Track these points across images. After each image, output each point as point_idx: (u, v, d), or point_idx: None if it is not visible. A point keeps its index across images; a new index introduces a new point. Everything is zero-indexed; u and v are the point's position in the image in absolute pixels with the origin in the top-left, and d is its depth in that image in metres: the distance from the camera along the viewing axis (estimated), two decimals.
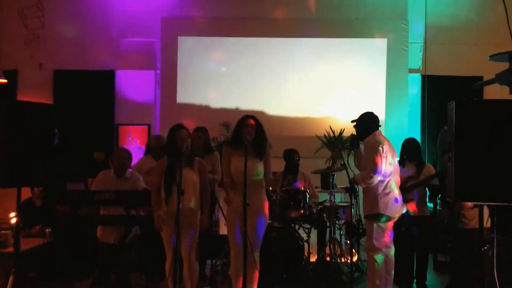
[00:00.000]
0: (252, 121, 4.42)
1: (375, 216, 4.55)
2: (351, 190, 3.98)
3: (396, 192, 4.62)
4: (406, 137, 5.70)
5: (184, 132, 4.49)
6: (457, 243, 5.04)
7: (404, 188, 5.26)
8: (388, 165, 4.53)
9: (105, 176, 5.13)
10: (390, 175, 4.58)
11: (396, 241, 5.12)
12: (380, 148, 4.47)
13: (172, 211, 4.23)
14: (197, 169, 4.51)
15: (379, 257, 4.55)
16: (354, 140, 4.72)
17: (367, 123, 4.67)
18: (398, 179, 4.74)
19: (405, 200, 5.22)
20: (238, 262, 4.38)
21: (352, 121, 4.74)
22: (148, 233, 4.97)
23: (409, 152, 5.41)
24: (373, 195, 4.54)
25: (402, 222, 5.09)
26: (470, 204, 4.64)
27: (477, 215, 4.69)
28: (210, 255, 5.70)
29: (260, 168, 4.41)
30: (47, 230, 5.91)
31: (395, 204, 4.59)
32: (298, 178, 5.92)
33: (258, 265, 4.38)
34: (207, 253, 5.59)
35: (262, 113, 7.63)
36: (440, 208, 6.14)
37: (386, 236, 4.61)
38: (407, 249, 5.48)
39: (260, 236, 4.44)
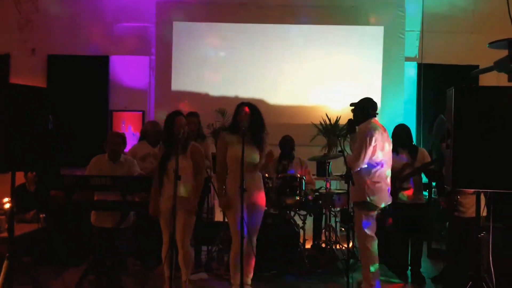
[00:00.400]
0: (246, 109, 4.35)
1: (362, 204, 4.47)
2: (348, 177, 3.94)
3: (387, 182, 4.55)
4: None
5: (182, 119, 4.45)
6: (454, 231, 5.03)
7: (401, 176, 5.24)
8: (381, 154, 4.46)
9: (99, 160, 5.07)
10: (381, 164, 4.48)
11: (390, 228, 5.15)
12: (368, 138, 4.39)
13: (166, 199, 4.20)
14: (190, 154, 4.45)
15: (373, 245, 4.52)
16: (351, 125, 4.66)
17: (365, 108, 4.62)
18: (389, 169, 4.67)
19: (403, 189, 5.22)
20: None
21: (351, 104, 4.67)
22: (143, 219, 4.93)
23: (401, 139, 5.37)
24: (361, 183, 4.46)
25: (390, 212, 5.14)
26: (469, 191, 4.62)
27: (475, 203, 4.78)
28: (206, 241, 5.69)
29: (256, 155, 4.37)
30: (41, 215, 5.91)
31: (383, 194, 4.50)
32: (295, 164, 5.91)
33: (254, 250, 4.36)
34: (203, 240, 5.58)
35: (257, 100, 7.51)
36: (436, 196, 6.14)
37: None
38: (401, 237, 5.50)
39: (258, 222, 4.41)
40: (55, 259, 5.55)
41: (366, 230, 4.47)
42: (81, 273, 4.68)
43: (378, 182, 4.45)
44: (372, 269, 4.46)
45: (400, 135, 5.39)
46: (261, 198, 4.45)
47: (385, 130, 4.61)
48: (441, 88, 8.05)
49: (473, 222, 4.66)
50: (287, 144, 5.92)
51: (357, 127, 4.60)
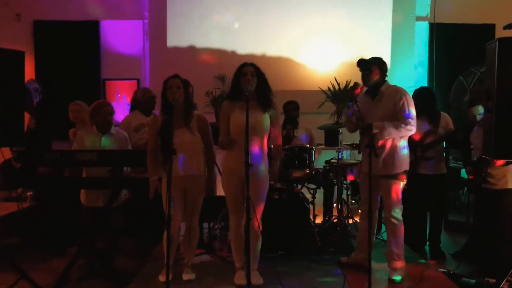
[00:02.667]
0: (251, 69, 3.76)
1: (403, 173, 3.98)
2: (371, 146, 3.34)
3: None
4: (414, 89, 5.08)
5: (176, 81, 3.86)
6: (482, 204, 4.49)
7: (423, 145, 4.69)
8: None
9: (88, 133, 4.49)
10: None
11: (407, 200, 4.62)
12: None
13: (174, 177, 3.62)
14: (197, 127, 3.89)
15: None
16: (375, 86, 3.99)
17: (384, 68, 4.01)
18: None
19: (425, 158, 4.68)
20: (239, 228, 3.82)
21: (362, 63, 4.00)
22: (139, 196, 4.39)
23: (424, 103, 4.76)
24: (398, 151, 3.95)
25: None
26: (500, 161, 4.06)
27: (506, 174, 4.23)
28: (206, 218, 5.11)
29: (265, 121, 3.78)
30: (28, 193, 5.41)
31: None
32: (300, 130, 5.33)
33: (259, 230, 3.81)
34: (203, 216, 4.99)
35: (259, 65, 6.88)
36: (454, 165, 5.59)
37: None
38: (419, 209, 5.00)
39: (263, 199, 3.85)
40: (44, 241, 5.02)
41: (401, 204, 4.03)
42: (70, 258, 4.14)
43: (405, 148, 4.03)
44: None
45: (423, 99, 4.79)
46: (265, 170, 3.86)
47: None
48: (455, 49, 7.57)
49: (507, 195, 4.18)
50: (295, 108, 5.35)
51: (382, 90, 3.98)
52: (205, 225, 5.08)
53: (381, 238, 4.99)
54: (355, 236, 4.74)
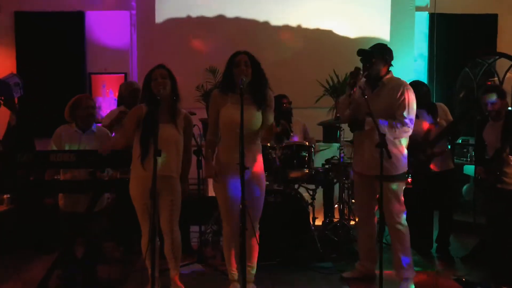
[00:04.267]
0: (244, 57, 3.28)
1: (403, 175, 3.60)
2: (383, 145, 2.90)
3: None
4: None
5: (162, 71, 3.41)
6: (496, 205, 4.07)
7: (430, 141, 4.27)
8: None
9: (65, 131, 4.01)
10: None
11: (413, 200, 4.24)
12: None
13: (149, 176, 3.18)
14: (183, 126, 3.46)
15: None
16: (375, 79, 3.54)
17: (388, 58, 3.57)
18: None
19: (437, 155, 4.26)
20: (234, 238, 3.37)
21: (362, 52, 3.53)
22: (124, 199, 3.91)
23: (419, 98, 4.34)
24: (399, 150, 3.54)
25: None
26: None
27: None
28: (196, 220, 4.62)
29: (257, 119, 3.30)
30: (5, 196, 4.95)
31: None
32: (295, 126, 4.84)
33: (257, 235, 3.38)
34: (192, 219, 4.50)
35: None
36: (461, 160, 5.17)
37: None
38: (426, 209, 4.61)
39: (260, 204, 3.41)
40: (22, 246, 4.56)
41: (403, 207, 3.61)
42: (47, 267, 3.68)
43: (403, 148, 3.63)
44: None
45: (420, 92, 4.34)
46: (260, 179, 3.39)
47: None
48: (456, 41, 7.14)
49: None
50: (289, 101, 4.86)
51: (383, 81, 3.54)
52: (195, 228, 4.57)
53: (385, 242, 4.56)
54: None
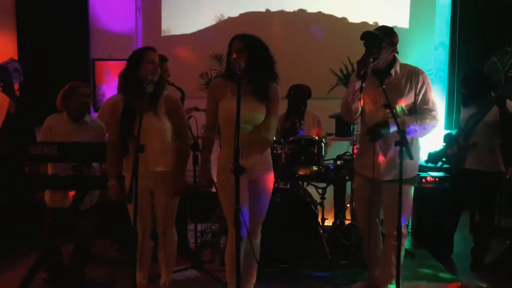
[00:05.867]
0: (237, 44, 2.78)
1: (415, 178, 3.11)
2: (402, 143, 2.41)
3: None
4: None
5: (154, 55, 2.95)
6: None
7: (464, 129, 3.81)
8: None
9: (56, 121, 3.62)
10: None
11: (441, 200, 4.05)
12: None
13: (142, 172, 2.74)
14: (164, 110, 2.98)
15: None
16: (383, 72, 2.96)
17: (396, 42, 3.02)
18: None
19: (474, 147, 3.77)
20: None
21: (369, 36, 2.93)
22: None
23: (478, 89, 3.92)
24: (417, 149, 3.05)
25: None
26: None
27: None
28: (196, 218, 4.18)
29: (261, 112, 2.83)
30: None
31: None
32: (306, 122, 4.36)
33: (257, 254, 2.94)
34: (190, 216, 4.06)
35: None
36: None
37: None
38: (454, 211, 4.17)
39: (263, 209, 2.96)
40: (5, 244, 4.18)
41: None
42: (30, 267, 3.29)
43: None
44: None
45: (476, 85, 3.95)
46: (266, 179, 2.92)
47: None
48: (480, 28, 6.52)
49: None
50: (299, 94, 4.35)
51: (395, 69, 3.01)
52: (192, 226, 4.12)
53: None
54: None
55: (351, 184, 4.30)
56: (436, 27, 6.65)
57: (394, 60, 3.01)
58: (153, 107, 2.93)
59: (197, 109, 4.09)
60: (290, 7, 6.57)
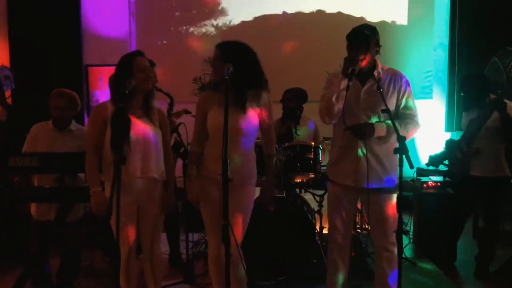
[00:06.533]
0: (217, 53, 2.66)
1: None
2: (402, 150, 2.22)
3: None
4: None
5: (144, 61, 2.79)
6: None
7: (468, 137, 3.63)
8: None
9: (41, 129, 3.45)
10: None
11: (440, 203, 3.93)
12: None
13: (128, 181, 2.60)
14: (157, 119, 2.86)
15: None
16: (357, 61, 2.64)
17: (379, 42, 2.79)
18: None
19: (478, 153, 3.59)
20: (220, 256, 2.72)
21: (358, 35, 2.70)
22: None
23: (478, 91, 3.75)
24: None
25: None
26: None
27: None
28: (188, 227, 3.98)
29: (247, 124, 2.68)
30: None
31: None
32: (303, 128, 4.17)
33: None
34: (184, 225, 3.84)
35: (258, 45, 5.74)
36: None
37: None
38: (459, 218, 4.02)
39: (243, 221, 2.75)
40: None
41: None
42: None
43: None
44: None
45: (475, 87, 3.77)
46: (245, 193, 2.75)
47: None
48: (482, 28, 6.32)
49: None
50: (293, 98, 4.16)
51: (378, 71, 2.79)
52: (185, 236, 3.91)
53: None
54: (372, 254, 3.63)
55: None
56: (435, 28, 6.49)
57: (375, 61, 2.79)
58: (147, 113, 2.79)
59: (187, 112, 3.88)
60: (283, 17, 6.42)
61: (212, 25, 6.47)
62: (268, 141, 2.83)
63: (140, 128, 2.73)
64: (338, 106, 2.68)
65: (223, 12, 6.47)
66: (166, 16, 6.53)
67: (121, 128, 2.41)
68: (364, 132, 2.67)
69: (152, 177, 2.76)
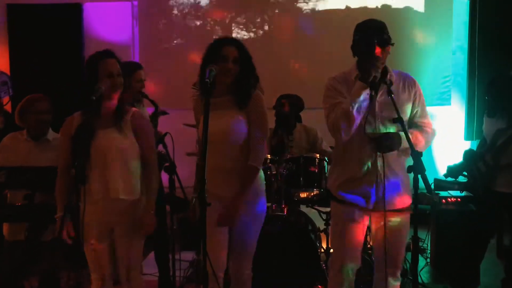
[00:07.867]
0: (235, 52, 2.34)
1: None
2: (417, 169, 1.78)
3: None
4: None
5: (112, 65, 2.40)
6: None
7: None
8: None
9: (14, 140, 3.11)
10: None
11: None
12: None
13: (96, 201, 2.19)
14: (131, 127, 2.42)
15: None
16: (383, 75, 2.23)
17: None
18: None
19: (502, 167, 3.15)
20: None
21: (376, 29, 2.32)
22: None
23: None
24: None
25: None
26: None
27: None
28: (185, 245, 3.60)
29: (241, 127, 2.31)
30: None
31: None
32: (297, 137, 3.70)
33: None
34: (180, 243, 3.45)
35: (259, 49, 5.27)
36: None
37: None
38: (478, 236, 3.51)
39: (251, 243, 2.43)
40: None
41: None
42: None
43: None
44: None
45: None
46: (255, 199, 2.41)
47: None
48: (503, 29, 5.85)
49: None
50: (289, 106, 3.69)
51: (391, 74, 2.33)
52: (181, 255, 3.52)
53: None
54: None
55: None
56: (454, 30, 6.02)
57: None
58: (115, 122, 2.38)
59: (164, 113, 3.44)
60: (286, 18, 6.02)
61: (219, 22, 6.13)
62: (254, 146, 2.39)
63: (101, 141, 2.33)
64: (357, 121, 2.24)
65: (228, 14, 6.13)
66: (170, 21, 6.19)
67: (81, 143, 2.03)
68: (390, 144, 2.21)
69: (121, 199, 2.36)
